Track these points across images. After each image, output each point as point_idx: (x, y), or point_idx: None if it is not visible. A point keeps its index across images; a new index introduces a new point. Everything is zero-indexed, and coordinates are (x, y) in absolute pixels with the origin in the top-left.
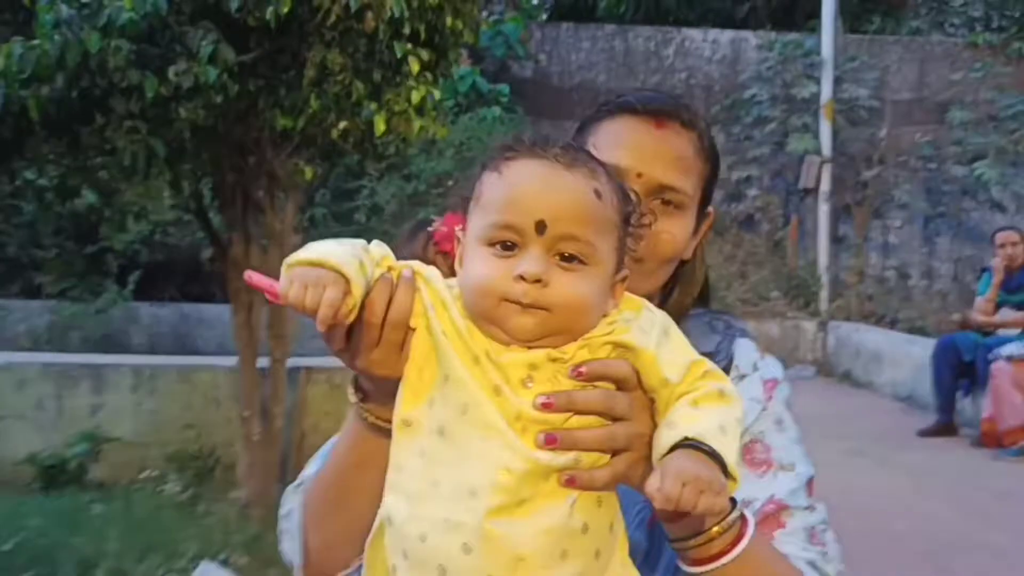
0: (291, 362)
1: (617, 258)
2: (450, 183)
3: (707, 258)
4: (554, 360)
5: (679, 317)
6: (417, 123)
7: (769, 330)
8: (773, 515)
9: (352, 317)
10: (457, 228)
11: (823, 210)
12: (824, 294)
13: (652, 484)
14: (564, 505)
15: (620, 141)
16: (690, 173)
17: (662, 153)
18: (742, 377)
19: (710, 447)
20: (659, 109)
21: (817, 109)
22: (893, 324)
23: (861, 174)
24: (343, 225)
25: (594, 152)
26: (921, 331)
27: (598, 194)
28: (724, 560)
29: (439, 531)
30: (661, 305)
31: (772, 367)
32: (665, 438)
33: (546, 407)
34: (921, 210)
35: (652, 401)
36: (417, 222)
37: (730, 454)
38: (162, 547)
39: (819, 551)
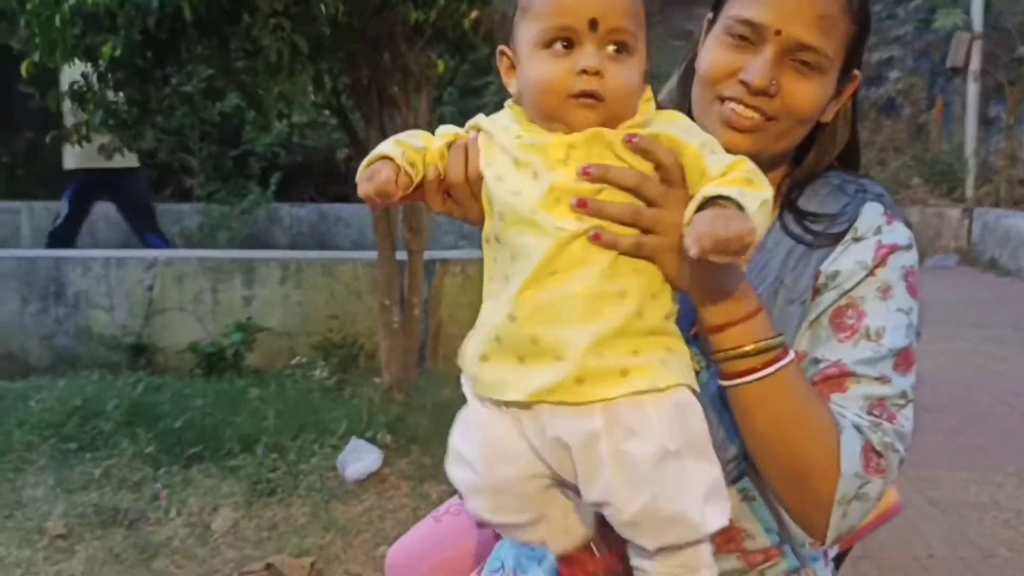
0: (427, 255)
1: (647, 49)
2: None
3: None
4: (591, 138)
5: (809, 177)
6: None
7: (909, 218)
8: (835, 378)
9: (411, 187)
10: (505, 52)
11: (972, 90)
12: (971, 179)
13: (685, 238)
14: (596, 270)
15: (761, 1)
16: (832, 33)
17: (803, 10)
18: (858, 240)
19: (731, 197)
20: None
21: None
22: None
23: (1016, 50)
24: None
25: (734, 6)
26: None
27: None
28: (753, 377)
29: (494, 311)
30: (793, 166)
31: (898, 233)
32: (691, 205)
33: (585, 174)
34: None
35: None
36: None
37: (751, 204)
38: (313, 426)
39: (873, 421)
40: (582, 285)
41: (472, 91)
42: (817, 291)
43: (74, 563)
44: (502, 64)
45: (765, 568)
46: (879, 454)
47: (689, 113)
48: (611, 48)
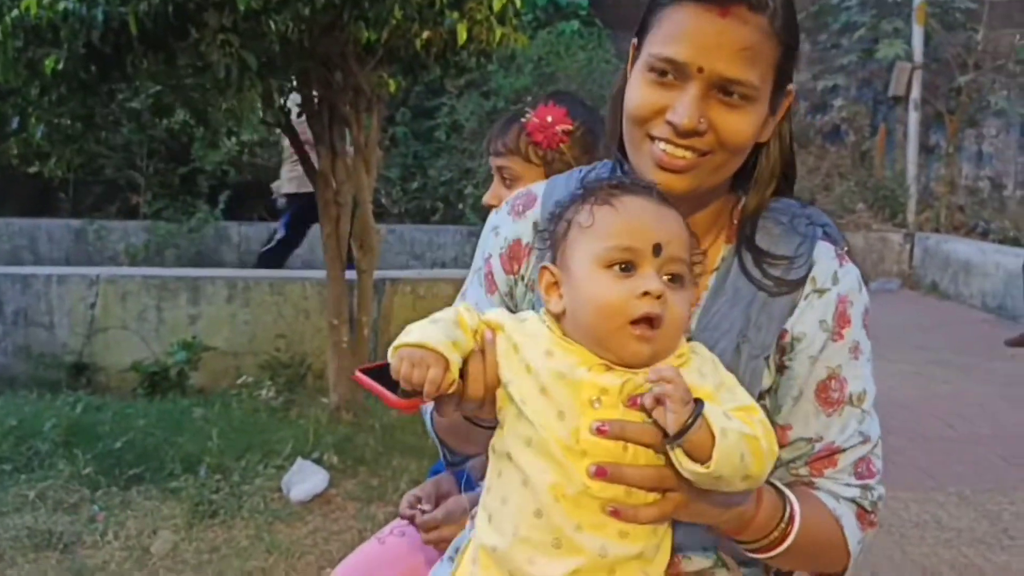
0: (377, 274)
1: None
2: (528, 98)
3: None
4: (625, 386)
5: (759, 208)
6: (498, 31)
7: (854, 243)
8: (827, 457)
9: (453, 388)
10: (549, 269)
11: (913, 118)
12: (912, 205)
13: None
14: (613, 531)
15: (681, 31)
16: (757, 62)
17: (725, 44)
18: (820, 292)
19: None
20: None
21: (910, 13)
22: (985, 235)
23: (955, 80)
24: (423, 143)
25: (655, 42)
26: (1015, 242)
27: (687, 228)
28: (777, 551)
29: (510, 544)
30: (736, 188)
31: (851, 277)
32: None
33: (600, 432)
34: (1019, 117)
35: None
36: (511, 114)
37: (716, 421)
38: (259, 446)
39: (861, 485)
40: (602, 544)
41: (425, 112)
42: (783, 350)
43: None
44: (543, 280)
45: None
46: (870, 512)
47: (621, 141)
48: (666, 278)
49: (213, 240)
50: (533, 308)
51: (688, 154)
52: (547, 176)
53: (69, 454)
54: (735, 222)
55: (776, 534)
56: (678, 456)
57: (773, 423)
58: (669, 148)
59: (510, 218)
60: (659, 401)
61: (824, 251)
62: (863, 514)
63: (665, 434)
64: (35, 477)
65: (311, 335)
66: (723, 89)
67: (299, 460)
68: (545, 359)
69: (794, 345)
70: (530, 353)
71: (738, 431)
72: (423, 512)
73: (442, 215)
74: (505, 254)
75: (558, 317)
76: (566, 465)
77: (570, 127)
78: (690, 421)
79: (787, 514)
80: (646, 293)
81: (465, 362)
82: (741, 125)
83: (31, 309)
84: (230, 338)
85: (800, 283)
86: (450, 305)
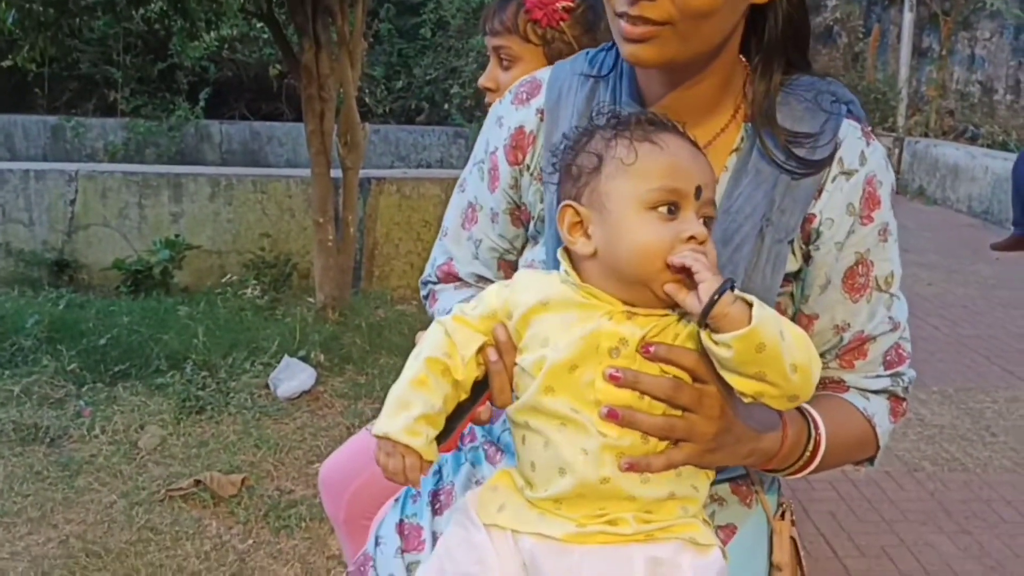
0: (362, 173)
1: None
2: None
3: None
4: (646, 336)
5: (774, 80)
6: None
7: None
8: (857, 347)
9: (436, 457)
10: (574, 207)
11: (907, 19)
12: (903, 108)
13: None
14: (636, 480)
15: None
16: None
17: None
18: (848, 174)
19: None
20: None
21: None
22: (974, 140)
23: None
24: (408, 41)
25: None
26: (1004, 146)
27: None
28: (808, 471)
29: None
30: (751, 66)
31: (878, 155)
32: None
33: (613, 379)
34: (1014, 18)
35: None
36: None
37: (763, 314)
38: (245, 344)
39: (892, 373)
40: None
41: (409, 8)
42: (809, 236)
43: None
44: (565, 218)
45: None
46: (901, 399)
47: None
48: (700, 220)
49: (194, 139)
50: (541, 200)
51: (644, 26)
52: (547, 56)
53: (53, 350)
54: (749, 97)
55: (801, 461)
56: (708, 339)
57: (799, 313)
58: (625, 23)
59: (513, 107)
60: (684, 284)
61: (850, 130)
62: (896, 403)
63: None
64: (19, 372)
65: (296, 234)
66: None
67: (286, 358)
68: (561, 319)
69: (820, 231)
70: (545, 324)
71: (773, 314)
72: None
73: (427, 115)
74: (509, 144)
75: (579, 258)
76: (581, 418)
77: (571, 4)
78: (719, 293)
79: (812, 439)
80: (691, 237)
81: (484, 378)
82: None
83: (9, 206)
84: (213, 236)
85: (825, 163)
86: (436, 205)
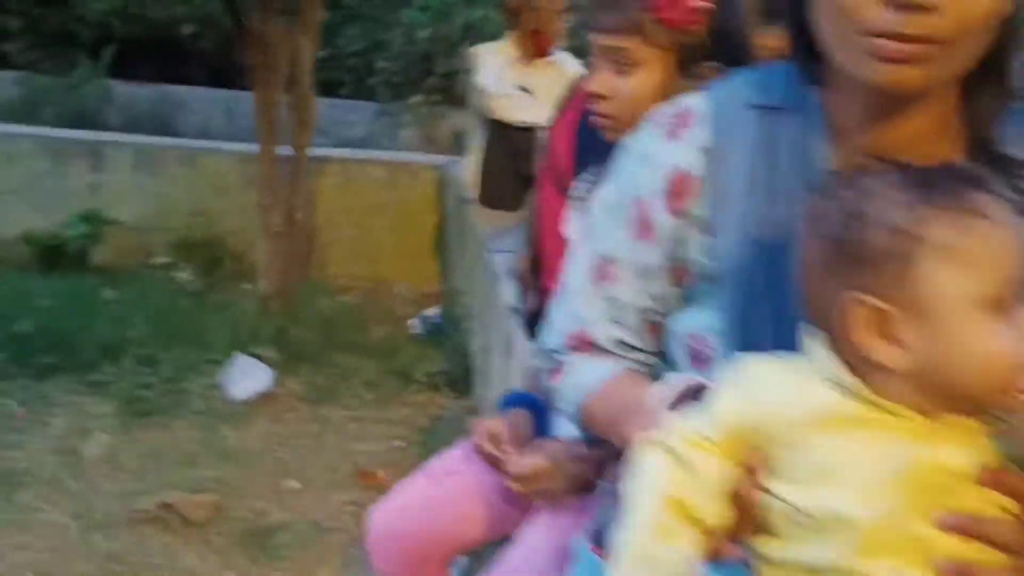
0: None
1: None
2: None
3: None
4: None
5: (1000, 103)
6: None
7: None
8: None
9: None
10: (878, 306)
11: None
12: None
13: None
14: None
15: None
16: None
17: None
18: None
19: None
20: None
21: None
22: None
23: None
24: (331, 9)
25: None
26: None
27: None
28: None
29: None
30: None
31: None
32: None
33: (950, 527)
34: None
35: None
36: None
37: None
38: (186, 336)
39: None
40: None
41: None
42: None
43: None
44: (859, 320)
45: None
46: None
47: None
48: None
49: (95, 100)
50: (707, 253)
51: (918, 47)
52: (672, 63)
53: None
54: (968, 124)
55: None
56: None
57: None
58: (892, 44)
59: (663, 142)
60: None
61: None
62: None
63: None
64: None
65: (231, 214)
66: None
67: (238, 355)
68: (846, 443)
69: None
70: (821, 449)
71: None
72: (505, 452)
73: (351, 89)
74: (665, 189)
75: (873, 366)
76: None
77: (706, 5)
78: None
79: None
80: None
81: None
82: None
83: None
84: (137, 212)
85: None
86: (381, 189)
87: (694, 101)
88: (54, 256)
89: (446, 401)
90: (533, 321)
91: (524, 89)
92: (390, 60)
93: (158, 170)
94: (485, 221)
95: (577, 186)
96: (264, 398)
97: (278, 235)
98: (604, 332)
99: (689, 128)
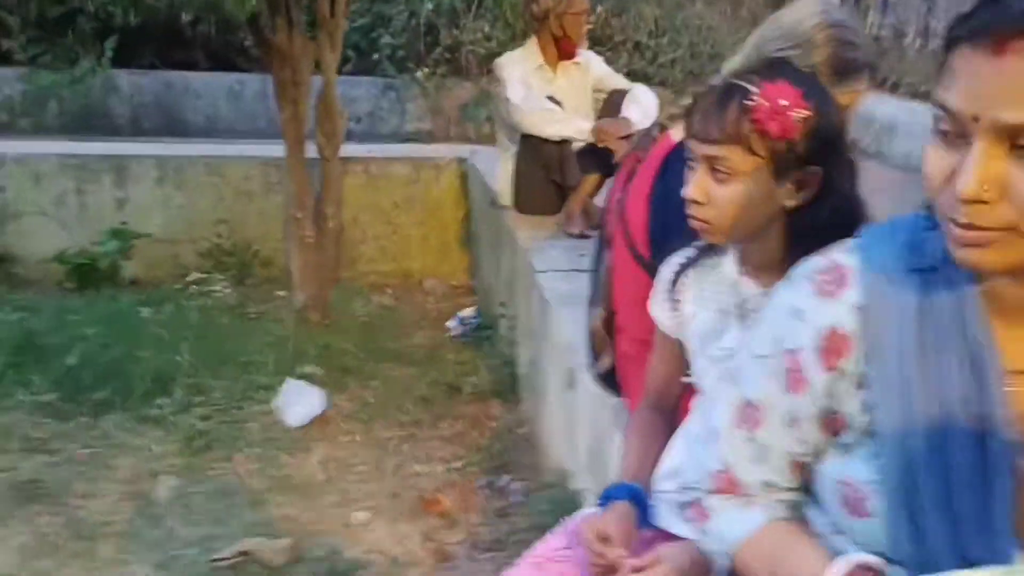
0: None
1: None
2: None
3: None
4: None
5: None
6: None
7: None
8: None
9: None
10: None
11: None
12: None
13: None
14: None
15: (954, 80)
16: None
17: (1002, 86)
18: None
19: None
20: (997, 28)
21: None
22: (895, 89)
23: None
24: None
25: (942, 79)
26: (926, 96)
27: None
28: None
29: None
30: None
31: None
32: None
33: None
34: None
35: None
36: (728, 85)
37: None
38: (233, 359)
39: None
40: None
41: None
42: None
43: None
44: None
45: None
46: None
47: None
48: None
49: (100, 92)
50: (863, 409)
51: (981, 233)
52: (771, 173)
53: (21, 377)
54: None
55: None
56: None
57: None
58: (958, 231)
59: (817, 300)
60: None
61: None
62: None
63: None
64: None
65: (256, 220)
66: (1015, 142)
67: (289, 380)
68: None
69: None
70: None
71: None
72: (618, 555)
73: (355, 64)
74: (820, 346)
75: None
76: None
77: (808, 113)
78: None
79: None
80: None
81: None
82: None
83: None
84: (164, 224)
85: None
86: (405, 185)
87: (845, 258)
88: (87, 274)
89: (496, 411)
90: (607, 380)
91: (553, 99)
92: (394, 34)
93: (183, 181)
94: (520, 226)
95: (663, 269)
96: (318, 421)
97: (310, 246)
98: (749, 474)
99: (842, 287)
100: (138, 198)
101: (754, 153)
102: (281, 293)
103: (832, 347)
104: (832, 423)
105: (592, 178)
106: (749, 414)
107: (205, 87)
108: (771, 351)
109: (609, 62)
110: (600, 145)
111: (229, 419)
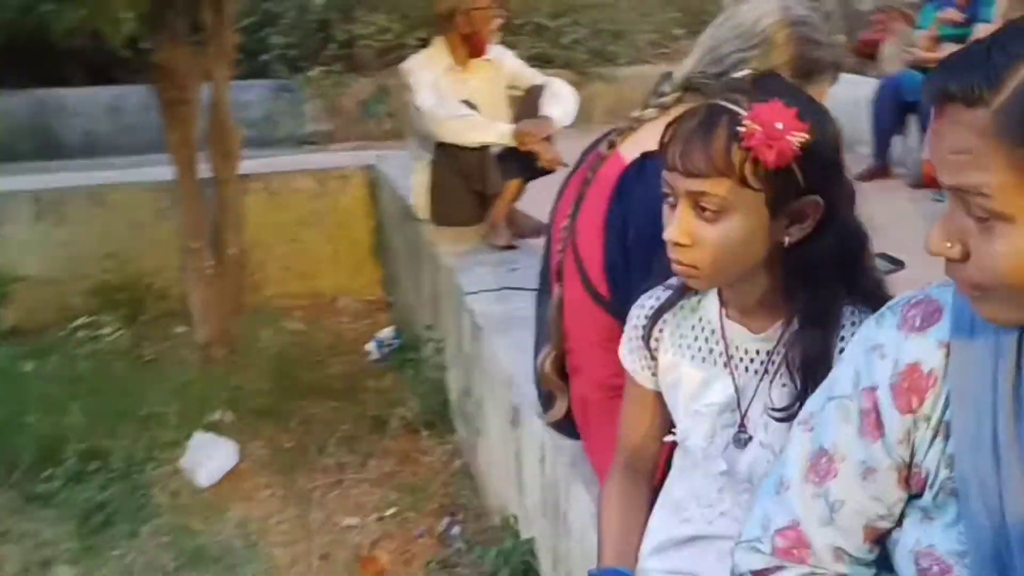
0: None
1: None
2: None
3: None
4: None
5: None
6: None
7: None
8: None
9: None
10: None
11: None
12: None
13: None
14: None
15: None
16: (986, 165)
17: (942, 152)
18: None
19: None
20: (939, 89)
21: None
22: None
23: None
24: None
25: None
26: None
27: None
28: None
29: None
30: None
31: None
32: None
33: None
34: None
35: None
36: (711, 109)
37: None
38: (131, 413)
39: None
40: None
41: None
42: None
43: None
44: None
45: None
46: None
47: None
48: None
49: None
50: (946, 462)
51: (965, 287)
52: (768, 205)
53: None
54: None
55: None
56: None
57: None
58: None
59: (901, 334)
60: None
61: None
62: None
63: None
64: None
65: (148, 250)
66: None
67: (196, 434)
68: None
69: None
70: None
71: None
72: None
73: (244, 69)
74: (898, 384)
75: None
76: None
77: (806, 137)
78: None
79: None
80: None
81: None
82: (1000, 246)
83: None
84: (44, 264)
85: None
86: (310, 199)
87: (939, 291)
88: None
89: (427, 444)
90: (562, 427)
91: (468, 103)
92: (283, 33)
93: (64, 215)
94: (441, 241)
95: (633, 312)
96: (231, 477)
97: (210, 278)
98: (820, 536)
99: (931, 323)
100: (13, 237)
101: (747, 186)
102: (180, 329)
103: (912, 386)
104: (910, 477)
105: (514, 183)
106: (823, 463)
107: (81, 103)
108: (848, 391)
109: (511, 47)
110: (522, 149)
111: (131, 486)
